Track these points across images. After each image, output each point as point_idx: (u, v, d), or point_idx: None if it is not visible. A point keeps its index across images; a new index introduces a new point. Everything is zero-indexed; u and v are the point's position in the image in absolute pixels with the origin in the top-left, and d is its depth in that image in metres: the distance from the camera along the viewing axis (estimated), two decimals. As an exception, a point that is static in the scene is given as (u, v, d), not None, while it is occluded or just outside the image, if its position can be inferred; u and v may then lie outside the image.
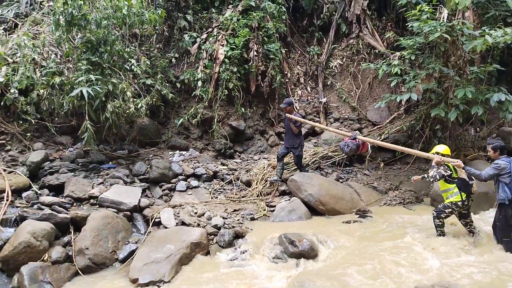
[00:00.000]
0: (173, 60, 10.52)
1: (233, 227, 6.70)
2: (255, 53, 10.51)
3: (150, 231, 6.65)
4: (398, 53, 9.74)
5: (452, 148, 9.22)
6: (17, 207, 6.46)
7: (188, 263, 5.83)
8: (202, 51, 10.51)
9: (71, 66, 8.70)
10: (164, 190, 7.95)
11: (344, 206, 7.71)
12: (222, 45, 10.37)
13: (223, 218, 6.98)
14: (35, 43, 8.58)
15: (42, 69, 8.43)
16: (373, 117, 10.96)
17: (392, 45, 11.15)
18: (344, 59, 11.95)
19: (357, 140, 7.20)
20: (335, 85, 11.67)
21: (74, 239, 6.01)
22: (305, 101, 11.43)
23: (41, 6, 9.92)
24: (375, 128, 10.47)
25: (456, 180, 5.98)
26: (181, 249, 5.86)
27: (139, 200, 7.19)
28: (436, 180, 6.03)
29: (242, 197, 8.01)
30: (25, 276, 5.06)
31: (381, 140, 9.15)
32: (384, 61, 10.02)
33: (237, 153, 10.12)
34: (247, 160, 9.60)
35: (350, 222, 7.17)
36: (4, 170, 7.09)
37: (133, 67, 9.08)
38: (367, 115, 11.08)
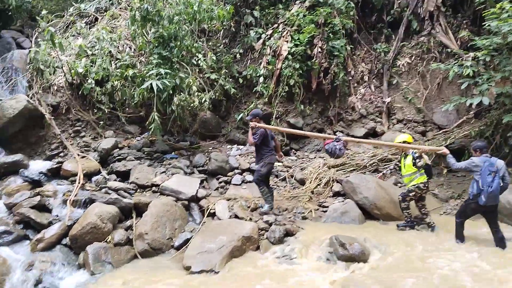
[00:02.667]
0: (238, 55, 10.76)
1: (284, 224, 6.76)
2: (319, 50, 10.39)
3: (205, 221, 6.93)
4: (472, 54, 9.06)
5: (526, 159, 8.50)
6: (87, 190, 7.05)
7: (238, 256, 5.97)
8: (266, 47, 10.61)
9: (143, 59, 9.27)
10: (220, 182, 8.23)
11: (401, 213, 7.44)
12: (287, 41, 10.40)
13: (275, 214, 7.08)
14: (112, 37, 9.24)
15: (117, 61, 9.08)
16: (439, 120, 10.36)
17: (466, 45, 10.39)
18: (413, 57, 11.36)
19: (341, 141, 6.84)
20: (401, 84, 11.17)
21: (135, 223, 6.47)
22: (368, 100, 11.10)
23: (120, 1, 10.62)
24: (440, 132, 9.90)
25: (425, 166, 6.69)
26: (232, 242, 6.04)
27: (197, 190, 7.50)
28: (423, 167, 6.67)
29: (295, 195, 8.04)
30: (90, 255, 5.57)
31: (447, 145, 8.69)
32: (456, 61, 9.40)
33: (293, 150, 10.14)
34: (303, 158, 9.60)
35: (406, 229, 6.93)
36: (78, 155, 7.77)
37: (199, 62, 9.45)
38: (433, 118, 10.49)
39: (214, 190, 8.05)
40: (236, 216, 6.93)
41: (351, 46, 11.55)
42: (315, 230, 6.75)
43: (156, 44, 8.73)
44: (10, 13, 12.22)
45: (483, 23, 8.47)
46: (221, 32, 10.99)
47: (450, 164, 6.41)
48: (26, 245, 5.70)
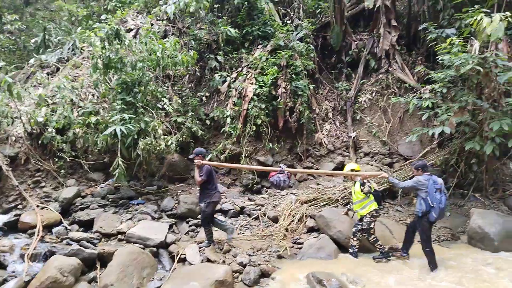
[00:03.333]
0: (204, 98, 10.86)
1: (259, 264, 6.51)
2: (283, 90, 10.66)
3: (175, 268, 6.58)
4: (429, 87, 9.55)
5: (489, 183, 8.72)
6: (47, 242, 6.61)
7: (212, 304, 5.67)
8: (231, 89, 10.79)
9: (106, 106, 9.14)
10: (190, 226, 7.93)
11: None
12: (251, 83, 10.63)
13: (249, 255, 6.82)
14: (74, 85, 9.14)
15: (79, 109, 8.91)
16: (405, 151, 10.65)
17: (422, 79, 10.99)
18: (374, 93, 11.85)
19: (286, 172, 7.04)
20: (365, 119, 11.52)
21: (100, 275, 6.03)
22: (334, 135, 11.32)
23: (82, 50, 10.64)
24: (407, 162, 10.13)
25: (373, 192, 6.81)
26: (205, 287, 5.74)
27: (166, 236, 7.17)
28: (370, 193, 6.74)
29: (269, 233, 7.83)
30: (50, 313, 5.10)
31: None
32: (415, 94, 9.85)
33: (265, 188, 10.04)
34: (274, 196, 9.48)
35: (382, 261, 6.82)
36: (38, 206, 7.36)
37: (165, 106, 9.43)
38: (398, 149, 10.78)
39: (184, 234, 7.73)
40: (209, 260, 6.61)
41: (314, 85, 11.94)
42: (291, 268, 6.55)
43: (120, 90, 8.69)
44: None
45: (436, 58, 9.00)
46: (186, 76, 11.13)
47: (395, 185, 6.84)
48: (-25, 307, 5.16)
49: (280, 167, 7.22)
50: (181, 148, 9.63)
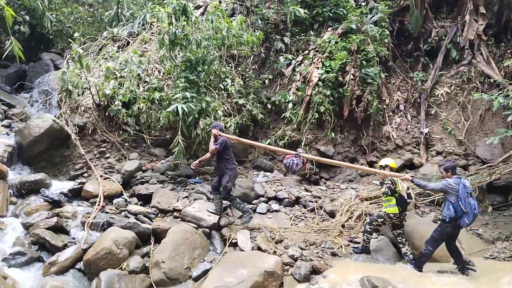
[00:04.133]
0: (267, 81, 10.55)
1: (311, 260, 6.21)
2: (352, 77, 10.03)
3: (226, 252, 6.50)
4: (518, 84, 8.46)
5: None
6: (107, 212, 6.80)
7: (259, 294, 5.48)
8: (296, 73, 10.37)
9: (170, 83, 9.17)
10: (245, 210, 7.77)
11: (441, 253, 6.67)
12: (317, 68, 10.11)
13: (301, 248, 6.53)
14: (141, 60, 9.25)
15: (145, 84, 9.02)
16: (483, 153, 9.61)
17: (511, 75, 9.77)
18: (453, 87, 10.79)
19: (301, 157, 6.72)
20: (440, 115, 10.56)
21: (153, 250, 6.09)
22: (404, 130, 10.51)
23: (151, 26, 10.74)
24: (484, 166, 9.13)
25: (396, 195, 6.28)
26: (253, 277, 5.54)
27: (219, 218, 7.10)
28: (388, 194, 6.29)
29: (324, 228, 7.46)
30: (102, 283, 5.18)
31: (492, 181, 8.03)
32: (501, 92, 8.77)
33: (323, 179, 9.62)
34: (333, 188, 9.03)
35: (447, 273, 6.19)
36: (101, 176, 7.58)
37: (228, 86, 9.27)
38: (476, 151, 9.76)
39: (238, 218, 7.59)
40: (259, 248, 6.44)
41: (385, 74, 11.14)
42: (344, 268, 6.15)
43: (184, 68, 8.64)
44: (51, 36, 12.70)
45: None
46: (251, 57, 10.85)
47: (421, 187, 6.23)
48: (38, 267, 5.40)
49: (297, 151, 6.89)
50: (240, 131, 9.47)
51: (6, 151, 7.45)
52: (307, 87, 9.98)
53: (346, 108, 10.08)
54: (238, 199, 7.04)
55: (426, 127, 10.35)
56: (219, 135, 6.85)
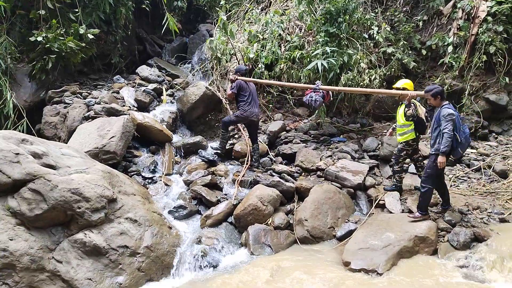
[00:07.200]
0: (420, 23, 9.22)
1: (473, 226, 5.45)
2: (535, 5, 7.94)
3: (373, 213, 6.22)
4: None
5: None
6: (254, 171, 7.18)
7: (407, 259, 5.09)
8: (457, 9, 8.76)
9: (311, 39, 8.89)
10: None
11: None
12: (486, 0, 8.32)
13: (462, 213, 5.76)
14: (282, 19, 9.17)
15: (286, 43, 8.97)
16: None
17: None
18: None
19: (320, 91, 6.48)
20: None
21: (296, 208, 6.24)
22: None
23: (292, -19, 10.46)
24: None
25: (415, 119, 5.93)
26: (402, 241, 5.21)
27: (365, 178, 6.79)
28: (414, 118, 5.93)
29: (492, 190, 6.36)
30: (250, 236, 5.61)
31: None
32: None
33: (493, 134, 8.11)
34: (507, 144, 7.55)
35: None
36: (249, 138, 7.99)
37: (373, 35, 8.50)
38: None
39: (386, 178, 7.11)
40: (410, 211, 5.96)
41: None
42: (514, 236, 5.17)
43: (323, 21, 8.22)
44: (205, 8, 13.75)
45: None
46: (401, -2, 9.62)
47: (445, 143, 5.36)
48: (196, 220, 6.13)
49: (316, 84, 6.62)
50: (388, 83, 8.65)
51: (170, 118, 8.53)
52: (472, 25, 8.34)
53: (525, 45, 8.12)
54: (226, 134, 7.36)
55: None
56: (236, 79, 7.06)
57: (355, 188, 6.67)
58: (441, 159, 5.19)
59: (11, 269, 4.11)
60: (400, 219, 5.72)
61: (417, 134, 6.21)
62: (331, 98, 7.35)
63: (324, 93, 6.60)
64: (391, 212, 6.10)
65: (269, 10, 10.50)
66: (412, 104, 5.91)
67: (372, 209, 6.32)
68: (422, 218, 5.52)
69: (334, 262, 5.21)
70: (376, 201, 6.38)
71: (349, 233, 5.82)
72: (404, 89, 6.13)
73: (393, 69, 8.59)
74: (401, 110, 6.20)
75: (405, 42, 8.93)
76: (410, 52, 8.97)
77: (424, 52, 9.00)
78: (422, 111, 6.05)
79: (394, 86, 6.38)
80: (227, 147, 7.78)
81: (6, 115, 7.61)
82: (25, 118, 7.87)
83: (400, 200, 6.30)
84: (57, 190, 4.55)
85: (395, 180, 6.46)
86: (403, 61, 8.67)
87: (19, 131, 6.95)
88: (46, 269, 4.31)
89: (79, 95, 8.33)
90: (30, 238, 4.36)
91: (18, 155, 4.59)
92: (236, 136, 8.63)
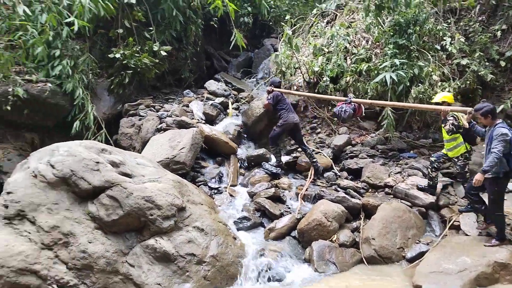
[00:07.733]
0: (498, 33, 8.61)
1: None
2: None
3: (446, 235, 5.85)
4: None
5: None
6: (318, 185, 7.10)
7: (486, 286, 4.72)
8: (541, 17, 8.10)
9: (379, 51, 8.69)
10: (469, 190, 6.73)
11: None
12: None
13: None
14: (348, 32, 9.06)
15: (352, 56, 8.84)
16: None
17: None
18: None
19: (352, 103, 6.66)
20: None
21: (362, 226, 6.05)
22: None
23: (358, -6, 10.33)
24: None
25: (461, 130, 5.77)
26: (479, 266, 4.85)
27: (438, 197, 6.42)
28: (453, 132, 5.77)
29: None
30: (315, 252, 5.51)
31: None
32: None
33: None
34: None
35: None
36: (313, 151, 7.93)
37: (446, 46, 8.11)
38: None
39: (462, 198, 6.65)
40: (488, 234, 5.52)
41: None
42: None
43: (392, 33, 8.00)
44: (270, 23, 14.02)
45: None
46: (476, 8, 9.07)
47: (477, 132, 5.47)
48: (260, 232, 6.16)
49: (349, 97, 6.80)
50: (462, 96, 8.14)
51: (236, 130, 8.72)
52: (559, 33, 7.67)
53: None
54: (277, 148, 7.64)
55: None
56: (272, 90, 7.57)
57: (427, 207, 6.33)
58: (479, 176, 4.93)
59: (89, 270, 4.40)
60: (477, 243, 5.35)
61: (468, 149, 6.03)
62: (363, 113, 7.36)
63: (355, 106, 6.70)
64: (467, 235, 5.72)
65: (334, 23, 10.44)
66: (449, 119, 5.77)
67: (446, 230, 5.95)
68: (498, 244, 5.13)
69: (403, 285, 4.97)
70: (450, 222, 6.00)
71: (420, 254, 5.53)
72: (443, 103, 5.96)
73: (468, 82, 8.09)
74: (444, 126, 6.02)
75: (481, 53, 8.38)
76: (487, 63, 8.40)
77: (503, 63, 8.38)
78: (463, 122, 5.76)
79: (433, 100, 6.23)
80: (290, 161, 7.77)
81: (87, 126, 8.22)
82: (104, 129, 8.47)
83: (477, 222, 5.86)
84: (132, 197, 4.82)
85: (470, 199, 6.00)
86: (480, 73, 8.14)
87: (99, 141, 7.49)
88: (120, 272, 4.55)
89: (152, 108, 8.83)
90: (107, 242, 4.65)
91: (98, 163, 4.93)
92: (299, 149, 8.61)
